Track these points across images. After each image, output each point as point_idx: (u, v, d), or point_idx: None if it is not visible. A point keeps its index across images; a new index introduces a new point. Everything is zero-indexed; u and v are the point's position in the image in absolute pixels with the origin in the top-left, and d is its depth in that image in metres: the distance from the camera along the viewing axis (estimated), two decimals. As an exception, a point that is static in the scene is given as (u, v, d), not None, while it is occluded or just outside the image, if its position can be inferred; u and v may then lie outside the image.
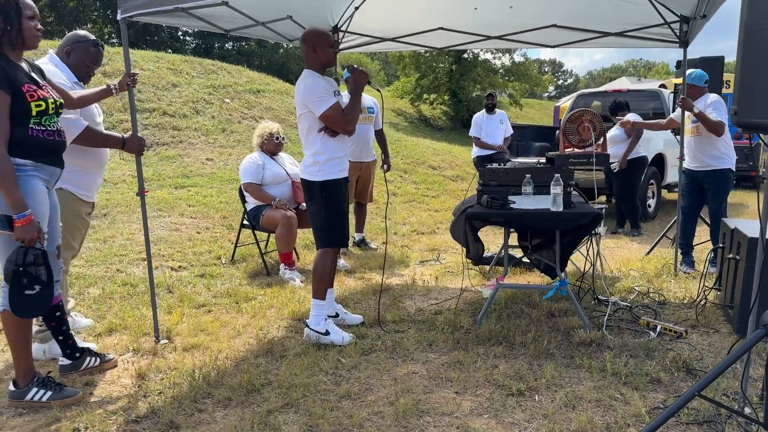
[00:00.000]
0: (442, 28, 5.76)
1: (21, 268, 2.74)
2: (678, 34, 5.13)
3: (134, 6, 3.48)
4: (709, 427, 2.70)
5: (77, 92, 3.39)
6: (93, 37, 3.64)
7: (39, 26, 2.91)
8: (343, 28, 5.87)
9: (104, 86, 3.58)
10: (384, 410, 2.89)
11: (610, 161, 7.61)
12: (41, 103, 2.82)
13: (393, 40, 6.13)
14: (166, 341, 3.75)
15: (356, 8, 5.52)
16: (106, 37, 33.23)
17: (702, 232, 6.15)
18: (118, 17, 3.53)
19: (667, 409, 2.48)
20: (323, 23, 5.63)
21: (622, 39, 5.53)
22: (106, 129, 3.77)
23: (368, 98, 6.16)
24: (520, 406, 2.94)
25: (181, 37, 34.55)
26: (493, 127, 8.40)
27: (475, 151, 8.57)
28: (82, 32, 3.65)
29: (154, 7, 3.45)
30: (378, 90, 4.26)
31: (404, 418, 2.81)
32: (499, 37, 5.92)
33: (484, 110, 8.57)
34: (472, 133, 8.54)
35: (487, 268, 5.58)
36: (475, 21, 5.64)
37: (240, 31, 4.97)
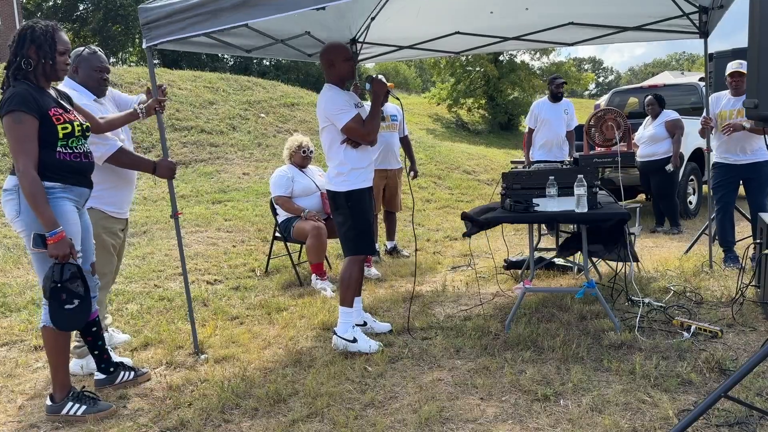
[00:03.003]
0: (458, 33, 5.76)
1: (59, 285, 2.87)
2: (697, 24, 5.02)
3: (158, 35, 3.59)
4: (740, 428, 2.62)
5: (105, 116, 3.52)
6: (89, 46, 3.72)
7: (68, 61, 3.05)
8: (361, 40, 5.92)
9: (131, 110, 3.70)
10: (407, 418, 2.89)
11: (650, 158, 7.46)
12: (67, 126, 2.94)
13: (411, 47, 6.16)
14: (206, 356, 3.84)
15: (372, 19, 5.57)
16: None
17: (742, 229, 5.97)
18: (143, 46, 3.65)
19: (693, 411, 2.42)
20: (341, 36, 5.70)
21: (641, 33, 5.42)
22: (146, 148, 3.88)
23: (391, 106, 6.21)
24: (545, 411, 2.90)
25: (220, 56, 35.28)
26: (554, 118, 7.11)
27: (534, 153, 7.22)
28: (80, 48, 3.72)
29: (177, 34, 3.54)
30: (397, 98, 4.30)
31: (427, 425, 2.81)
32: (516, 38, 5.86)
33: (546, 97, 7.34)
34: (528, 122, 7.45)
35: (520, 272, 5.53)
36: (491, 24, 5.61)
37: (260, 51, 5.07)
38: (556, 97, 7.21)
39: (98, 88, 3.70)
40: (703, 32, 5.04)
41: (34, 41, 2.88)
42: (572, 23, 5.40)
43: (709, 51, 5.38)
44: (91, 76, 3.65)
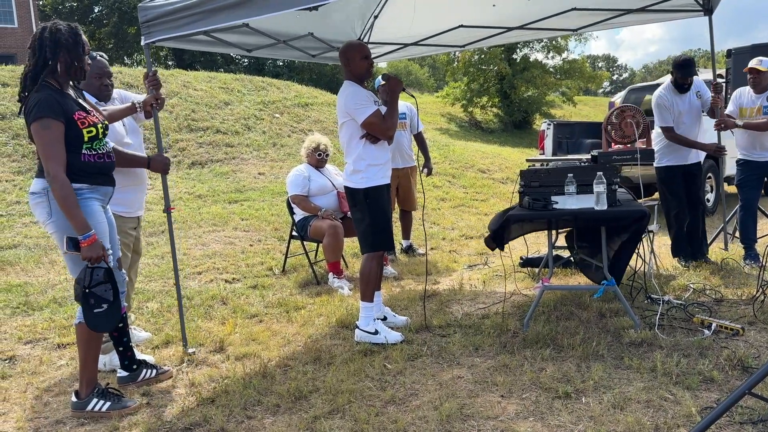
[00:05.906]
0: (462, 26, 5.73)
1: (87, 290, 2.92)
2: (701, 1, 4.96)
3: (157, 33, 3.64)
4: (764, 426, 2.60)
5: (106, 108, 3.53)
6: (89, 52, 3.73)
7: (89, 61, 3.10)
8: (365, 40, 5.91)
9: (129, 104, 3.71)
10: (428, 415, 2.90)
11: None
12: (92, 129, 2.99)
13: (415, 44, 6.16)
14: (194, 350, 3.92)
15: (375, 17, 5.56)
16: (162, 60, 34.40)
17: (762, 226, 5.92)
18: (142, 43, 3.69)
19: (716, 408, 2.41)
20: (345, 37, 5.67)
21: (644, 15, 5.33)
22: (161, 149, 3.91)
23: (400, 104, 6.21)
24: (566, 408, 2.90)
25: (235, 57, 35.42)
26: (684, 110, 5.26)
27: (661, 158, 5.36)
28: None
29: (175, 32, 3.60)
30: (412, 96, 4.31)
31: (448, 423, 2.82)
32: (520, 27, 5.81)
33: (668, 85, 5.32)
34: (659, 123, 5.35)
35: (536, 270, 5.52)
36: (494, 16, 5.59)
37: (262, 50, 5.08)
38: (680, 88, 5.25)
39: (99, 95, 3.70)
40: (707, 9, 4.98)
41: (66, 45, 2.91)
42: (575, 8, 5.34)
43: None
44: (90, 83, 3.64)
